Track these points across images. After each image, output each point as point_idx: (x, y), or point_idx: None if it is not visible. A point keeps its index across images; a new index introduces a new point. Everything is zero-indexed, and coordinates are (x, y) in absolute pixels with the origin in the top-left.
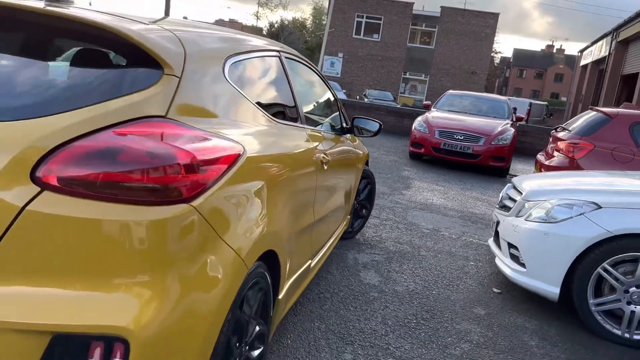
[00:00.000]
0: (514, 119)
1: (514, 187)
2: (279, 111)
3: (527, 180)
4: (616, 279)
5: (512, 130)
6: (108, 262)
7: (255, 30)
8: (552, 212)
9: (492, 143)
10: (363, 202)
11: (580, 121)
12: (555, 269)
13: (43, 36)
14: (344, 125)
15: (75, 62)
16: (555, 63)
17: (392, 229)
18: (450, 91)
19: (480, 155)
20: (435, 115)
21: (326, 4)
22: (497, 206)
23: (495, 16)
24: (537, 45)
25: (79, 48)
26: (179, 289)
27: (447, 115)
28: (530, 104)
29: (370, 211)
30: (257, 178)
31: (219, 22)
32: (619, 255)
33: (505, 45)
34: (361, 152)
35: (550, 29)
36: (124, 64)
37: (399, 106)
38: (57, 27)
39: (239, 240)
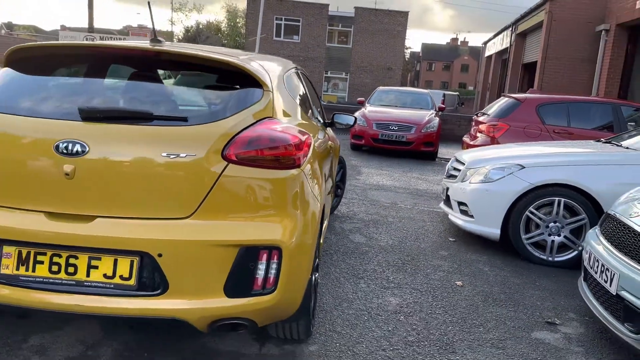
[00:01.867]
0: (437, 109)
1: (457, 160)
2: (305, 110)
3: (467, 154)
4: (539, 218)
5: (437, 119)
6: (265, 202)
7: (169, 35)
8: (489, 174)
9: (422, 131)
10: (338, 183)
11: (496, 106)
12: (495, 216)
13: (196, 70)
14: (326, 120)
15: (216, 86)
16: (460, 55)
17: (360, 205)
18: (380, 87)
19: (413, 142)
20: (370, 109)
21: (240, 7)
22: (445, 177)
23: (405, 14)
24: (441, 38)
25: (219, 76)
26: (301, 219)
27: (381, 109)
28: (444, 95)
29: (344, 191)
30: (316, 157)
31: (127, 27)
32: (540, 201)
33: (413, 40)
34: (338, 142)
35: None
36: (243, 86)
37: (325, 103)
38: (204, 65)
39: (318, 192)
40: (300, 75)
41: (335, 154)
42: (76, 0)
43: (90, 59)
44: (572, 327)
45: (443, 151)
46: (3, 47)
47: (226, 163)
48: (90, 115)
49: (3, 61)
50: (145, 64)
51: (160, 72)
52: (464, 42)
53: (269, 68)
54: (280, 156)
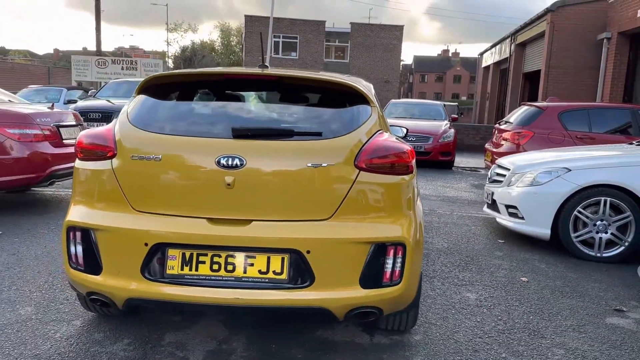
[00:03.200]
0: (450, 120)
1: (499, 166)
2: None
3: (508, 160)
4: (587, 217)
5: (453, 130)
6: (388, 204)
7: (163, 55)
8: (537, 178)
9: (439, 141)
10: None
11: (518, 115)
12: (545, 217)
13: (316, 90)
14: None
15: (335, 103)
16: (452, 66)
17: None
18: (393, 100)
19: (431, 152)
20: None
21: (232, 25)
22: (488, 182)
23: (400, 28)
24: (431, 49)
25: (335, 96)
26: (415, 218)
27: (397, 121)
28: (444, 106)
29: None
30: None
31: (120, 49)
32: (587, 201)
33: (404, 53)
34: None
35: (440, 34)
36: (355, 103)
37: None
38: (323, 86)
39: (419, 194)
40: None
41: None
42: (67, 24)
43: (223, 84)
44: (638, 313)
45: (457, 159)
46: (1, 73)
47: (358, 171)
48: (242, 134)
49: (138, 89)
50: (271, 87)
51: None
52: (456, 54)
53: (367, 87)
54: (398, 163)
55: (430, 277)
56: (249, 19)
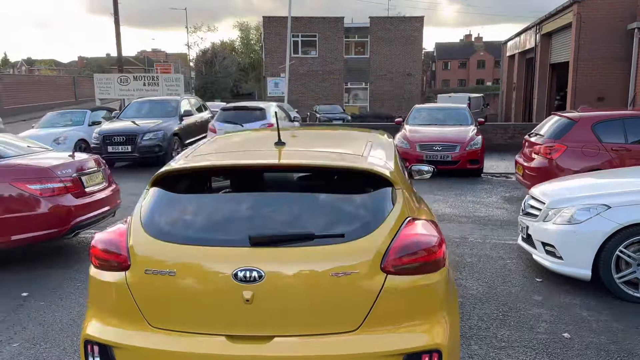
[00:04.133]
0: (477, 124)
1: (533, 198)
2: (406, 177)
3: (541, 189)
4: (630, 257)
5: (480, 136)
6: (421, 308)
7: (183, 58)
8: (575, 215)
9: (467, 149)
10: None
11: (548, 126)
12: (585, 257)
13: (329, 178)
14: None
15: (355, 191)
16: (475, 51)
17: None
18: (417, 106)
19: (458, 161)
20: (411, 130)
21: (251, 23)
22: (521, 214)
23: (420, 19)
24: (452, 33)
25: (354, 181)
26: (451, 316)
27: (421, 128)
28: (470, 98)
29: None
30: None
31: (142, 53)
32: (630, 240)
33: (425, 40)
34: None
35: (460, 17)
36: (377, 186)
37: (350, 117)
38: (337, 172)
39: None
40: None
41: None
42: (89, 30)
43: (237, 175)
44: None
45: (485, 163)
46: (28, 87)
47: (385, 275)
48: (260, 242)
49: (151, 182)
50: (288, 177)
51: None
52: (479, 38)
53: (388, 160)
54: (429, 260)
55: (467, 337)
56: (267, 20)
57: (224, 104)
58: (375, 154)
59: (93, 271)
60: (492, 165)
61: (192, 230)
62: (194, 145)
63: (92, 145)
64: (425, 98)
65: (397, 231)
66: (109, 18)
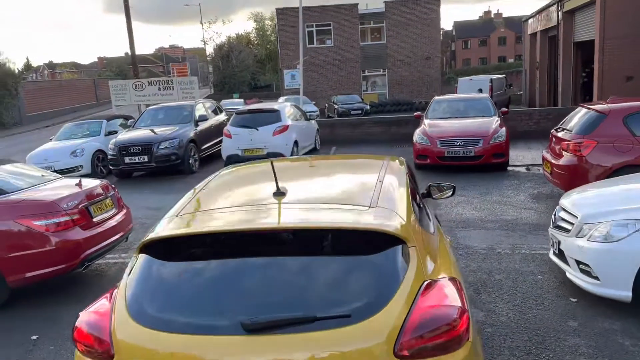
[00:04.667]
0: (500, 114)
1: (564, 210)
2: (424, 217)
3: (576, 201)
4: None
5: (504, 128)
6: None
7: (200, 52)
8: (611, 232)
9: (490, 142)
10: None
11: (576, 120)
12: (624, 278)
13: (333, 240)
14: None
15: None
16: (496, 28)
17: (457, 258)
18: (436, 97)
19: (482, 155)
20: (430, 124)
21: (265, 14)
22: (552, 226)
23: (437, 1)
24: (470, 9)
25: (359, 243)
26: None
27: (441, 122)
28: (491, 80)
29: None
30: None
31: (160, 50)
32: None
33: (442, 18)
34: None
35: None
36: (385, 246)
37: (368, 107)
38: (341, 233)
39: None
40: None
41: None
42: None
43: (225, 241)
44: None
45: (511, 154)
46: (49, 92)
47: None
48: (254, 328)
49: (138, 248)
50: (287, 239)
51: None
52: (498, 14)
53: (400, 204)
54: (451, 338)
55: None
56: (280, 12)
57: (241, 100)
58: (385, 197)
59: (78, 355)
60: (518, 155)
61: (179, 314)
62: (187, 196)
63: (109, 157)
64: (445, 80)
65: (412, 303)
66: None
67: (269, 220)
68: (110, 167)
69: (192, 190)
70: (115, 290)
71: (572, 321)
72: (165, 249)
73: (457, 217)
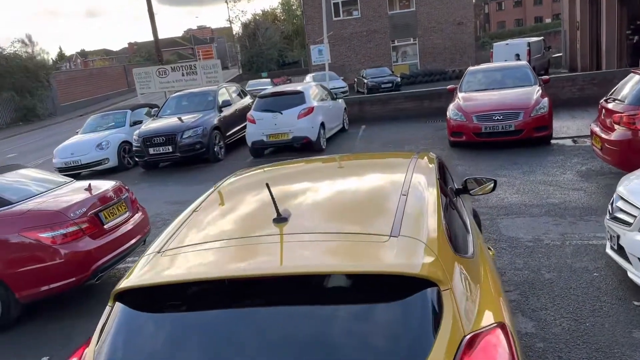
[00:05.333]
0: (541, 82)
1: (622, 199)
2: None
3: (635, 189)
4: None
5: (547, 98)
6: None
7: (227, 32)
8: None
9: (532, 115)
10: None
11: (628, 89)
12: None
13: (358, 284)
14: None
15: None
16: None
17: (499, 252)
18: (470, 68)
19: (523, 130)
20: (465, 98)
21: None
22: (609, 217)
23: None
24: None
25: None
26: None
27: (477, 95)
28: (529, 44)
29: None
30: None
31: (189, 32)
32: None
33: None
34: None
35: None
36: (421, 288)
37: (399, 79)
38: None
39: None
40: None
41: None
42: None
43: (216, 293)
44: None
45: (554, 126)
46: (81, 81)
47: None
48: None
49: (111, 298)
50: (291, 287)
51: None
52: None
53: (429, 225)
54: None
55: None
56: None
57: (269, 80)
58: (411, 219)
59: None
60: (562, 126)
61: None
62: (176, 222)
63: (134, 149)
64: (479, 45)
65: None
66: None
67: (265, 261)
68: (136, 159)
69: (185, 212)
70: (86, 349)
71: (637, 332)
72: (145, 298)
73: (497, 202)
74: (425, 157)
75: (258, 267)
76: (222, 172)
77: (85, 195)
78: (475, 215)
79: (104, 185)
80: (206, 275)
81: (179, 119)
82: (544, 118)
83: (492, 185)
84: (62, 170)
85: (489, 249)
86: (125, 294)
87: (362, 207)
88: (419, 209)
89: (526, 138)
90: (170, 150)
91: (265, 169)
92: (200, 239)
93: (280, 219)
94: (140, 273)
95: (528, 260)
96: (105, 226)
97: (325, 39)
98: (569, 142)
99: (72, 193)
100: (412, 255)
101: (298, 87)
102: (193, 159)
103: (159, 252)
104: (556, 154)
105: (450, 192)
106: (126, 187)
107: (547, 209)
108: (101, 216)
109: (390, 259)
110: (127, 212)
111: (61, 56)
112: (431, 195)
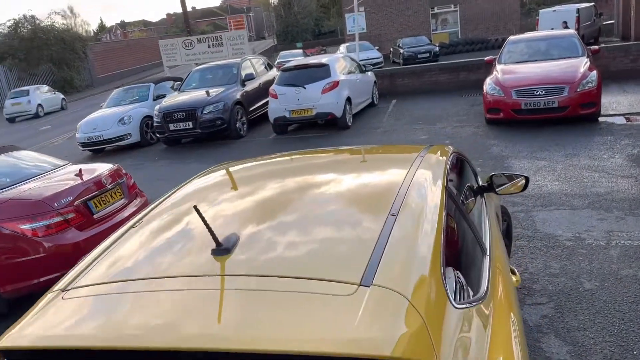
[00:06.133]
0: (590, 53)
1: None
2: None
3: None
4: None
5: (595, 71)
6: None
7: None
8: None
9: (578, 90)
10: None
11: None
12: None
13: None
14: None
15: None
16: None
17: (533, 253)
18: (511, 38)
19: (567, 107)
20: (504, 71)
21: None
22: None
23: None
24: None
25: None
26: None
27: (517, 67)
28: (578, 10)
29: (510, 251)
30: None
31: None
32: None
33: None
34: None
35: None
36: None
37: (437, 48)
38: None
39: None
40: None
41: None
42: None
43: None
44: None
45: (602, 101)
46: (117, 53)
47: None
48: None
49: None
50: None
51: None
52: None
53: (420, 267)
54: None
55: None
56: None
57: (301, 51)
58: (395, 256)
59: None
60: (611, 102)
61: None
62: (101, 246)
63: (154, 124)
64: (525, 12)
65: None
66: None
67: (172, 325)
68: (157, 135)
69: (123, 228)
70: None
71: None
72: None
73: (535, 190)
74: (438, 152)
75: (155, 337)
76: (244, 149)
77: (73, 182)
78: (505, 219)
79: (98, 170)
80: (99, 343)
81: (207, 92)
82: (591, 93)
83: (524, 182)
84: (85, 145)
85: (512, 272)
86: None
87: (334, 235)
88: (409, 239)
89: (571, 116)
90: (191, 126)
91: (236, 168)
92: (119, 274)
93: (221, 251)
94: (27, 324)
95: (566, 264)
96: (94, 216)
97: (355, 6)
98: (619, 119)
99: (62, 179)
100: (384, 322)
101: (323, 59)
102: (214, 135)
103: (63, 291)
104: (604, 134)
105: (467, 195)
106: (124, 172)
107: (591, 200)
108: (90, 205)
109: (349, 328)
110: (123, 199)
111: (102, 28)
112: (432, 211)
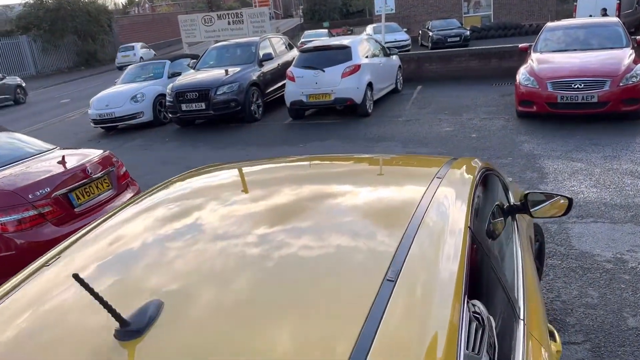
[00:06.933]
0: (636, 44)
1: None
2: None
3: None
4: None
5: None
6: None
7: None
8: None
9: (621, 84)
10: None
11: None
12: None
13: None
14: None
15: None
16: None
17: (567, 276)
18: (549, 24)
19: (608, 102)
20: (540, 60)
21: None
22: None
23: None
24: None
25: None
26: None
27: (554, 57)
28: (619, 2)
29: (541, 274)
30: None
31: None
32: None
33: None
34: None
35: None
36: None
37: (468, 32)
38: None
39: None
40: None
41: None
42: None
43: None
44: None
45: None
46: (143, 27)
47: None
48: None
49: None
50: None
51: None
52: None
53: None
54: None
55: None
56: None
57: (325, 31)
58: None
59: None
60: None
61: None
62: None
63: (167, 103)
64: None
65: None
66: None
67: None
68: (169, 115)
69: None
70: None
71: None
72: None
73: (574, 199)
74: (463, 168)
75: None
76: (258, 133)
77: (53, 170)
78: (538, 238)
79: (85, 157)
80: None
81: (226, 71)
82: (635, 89)
83: (567, 205)
84: (96, 122)
85: (551, 334)
86: None
87: (307, 309)
88: (409, 321)
89: (612, 112)
90: (204, 107)
91: (218, 172)
92: (16, 331)
93: (126, 334)
94: None
95: (605, 293)
96: (76, 209)
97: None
98: None
99: (42, 167)
100: None
101: (345, 40)
102: (228, 117)
103: None
104: None
105: (495, 225)
106: (116, 160)
107: (634, 212)
108: (72, 197)
109: None
110: (111, 190)
111: (131, 1)
112: (447, 268)
